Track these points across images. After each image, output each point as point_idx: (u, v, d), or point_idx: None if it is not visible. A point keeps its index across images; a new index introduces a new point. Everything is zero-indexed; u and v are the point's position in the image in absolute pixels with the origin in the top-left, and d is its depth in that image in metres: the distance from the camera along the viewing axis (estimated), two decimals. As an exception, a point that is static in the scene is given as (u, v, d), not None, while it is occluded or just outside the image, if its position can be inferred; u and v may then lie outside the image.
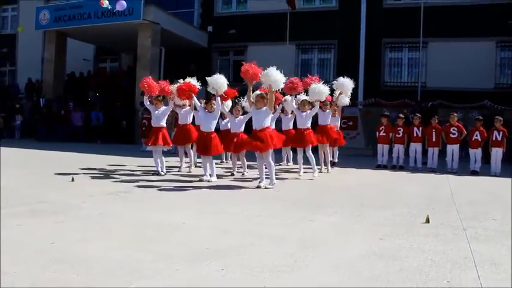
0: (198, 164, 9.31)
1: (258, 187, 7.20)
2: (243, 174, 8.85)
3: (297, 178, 8.73)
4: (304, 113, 8.79)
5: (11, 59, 26.75)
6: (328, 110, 9.67)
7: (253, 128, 7.26)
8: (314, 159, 8.86)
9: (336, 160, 10.68)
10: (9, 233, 3.85)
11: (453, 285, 2.95)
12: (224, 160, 11.00)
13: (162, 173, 8.44)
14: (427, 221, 4.83)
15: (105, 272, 2.98)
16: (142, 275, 2.94)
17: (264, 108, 7.20)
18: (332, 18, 19.78)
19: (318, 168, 9.43)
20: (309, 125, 8.84)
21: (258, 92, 7.55)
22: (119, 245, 3.60)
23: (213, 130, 7.92)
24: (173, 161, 10.14)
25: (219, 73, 8.39)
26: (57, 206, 5.12)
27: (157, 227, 4.29)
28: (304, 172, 8.99)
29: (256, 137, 7.14)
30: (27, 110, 20.85)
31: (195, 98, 8.37)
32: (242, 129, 8.58)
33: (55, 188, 6.60)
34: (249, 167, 9.31)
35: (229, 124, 9.22)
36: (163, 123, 8.63)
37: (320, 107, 9.23)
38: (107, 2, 13.14)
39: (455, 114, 11.23)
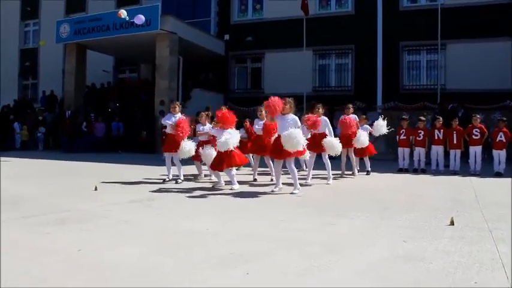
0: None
1: (272, 191, 7.29)
2: (272, 180, 8.86)
3: (318, 184, 8.70)
4: (321, 118, 8.74)
5: (33, 73, 27.33)
6: (352, 115, 9.82)
7: (278, 133, 7.25)
8: (330, 165, 8.82)
9: (369, 169, 10.53)
10: (38, 241, 3.94)
11: (481, 286, 2.92)
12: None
13: (180, 181, 8.52)
14: (452, 223, 4.77)
15: (132, 278, 3.02)
16: (168, 281, 2.97)
17: (291, 116, 7.21)
18: (348, 22, 19.71)
19: (338, 174, 9.45)
20: (324, 131, 8.80)
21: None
22: (145, 252, 3.64)
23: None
24: (191, 169, 10.19)
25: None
26: (82, 215, 5.20)
27: (181, 234, 4.33)
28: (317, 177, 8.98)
29: (279, 143, 7.09)
30: (49, 122, 21.22)
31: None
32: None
33: (80, 197, 6.70)
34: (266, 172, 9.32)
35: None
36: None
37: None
38: (125, 13, 13.32)
39: (478, 116, 11.07)
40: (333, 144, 8.58)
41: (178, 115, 8.74)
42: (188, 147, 8.43)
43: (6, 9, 28.05)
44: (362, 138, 9.65)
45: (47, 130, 20.64)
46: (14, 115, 21.62)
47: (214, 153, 7.94)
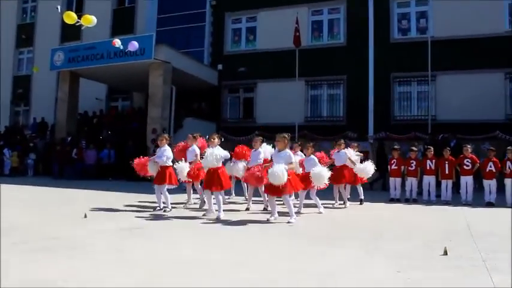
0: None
1: (268, 220, 7.24)
2: (264, 209, 8.82)
3: (310, 213, 8.65)
4: (309, 157, 8.79)
5: (25, 99, 27.32)
6: (342, 150, 9.83)
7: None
8: (318, 199, 8.74)
9: (362, 197, 10.42)
10: (25, 269, 3.84)
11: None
12: (233, 195, 10.96)
13: (168, 210, 8.41)
14: (445, 253, 4.74)
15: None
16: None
17: (283, 153, 7.22)
18: (340, 54, 20.05)
19: (331, 204, 9.54)
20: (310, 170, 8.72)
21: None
22: (135, 281, 3.56)
23: (219, 165, 7.72)
24: (180, 198, 10.11)
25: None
26: (71, 242, 5.10)
27: (171, 263, 4.24)
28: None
29: None
30: (40, 148, 21.10)
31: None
32: (261, 161, 8.62)
33: (68, 224, 6.59)
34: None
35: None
36: (169, 162, 8.64)
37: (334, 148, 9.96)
38: (120, 42, 13.43)
39: (469, 146, 11.15)
40: (319, 174, 8.28)
41: (164, 147, 8.70)
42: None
43: (1, 37, 28.25)
44: (362, 167, 9.91)
45: (37, 156, 20.49)
46: (4, 141, 21.49)
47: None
